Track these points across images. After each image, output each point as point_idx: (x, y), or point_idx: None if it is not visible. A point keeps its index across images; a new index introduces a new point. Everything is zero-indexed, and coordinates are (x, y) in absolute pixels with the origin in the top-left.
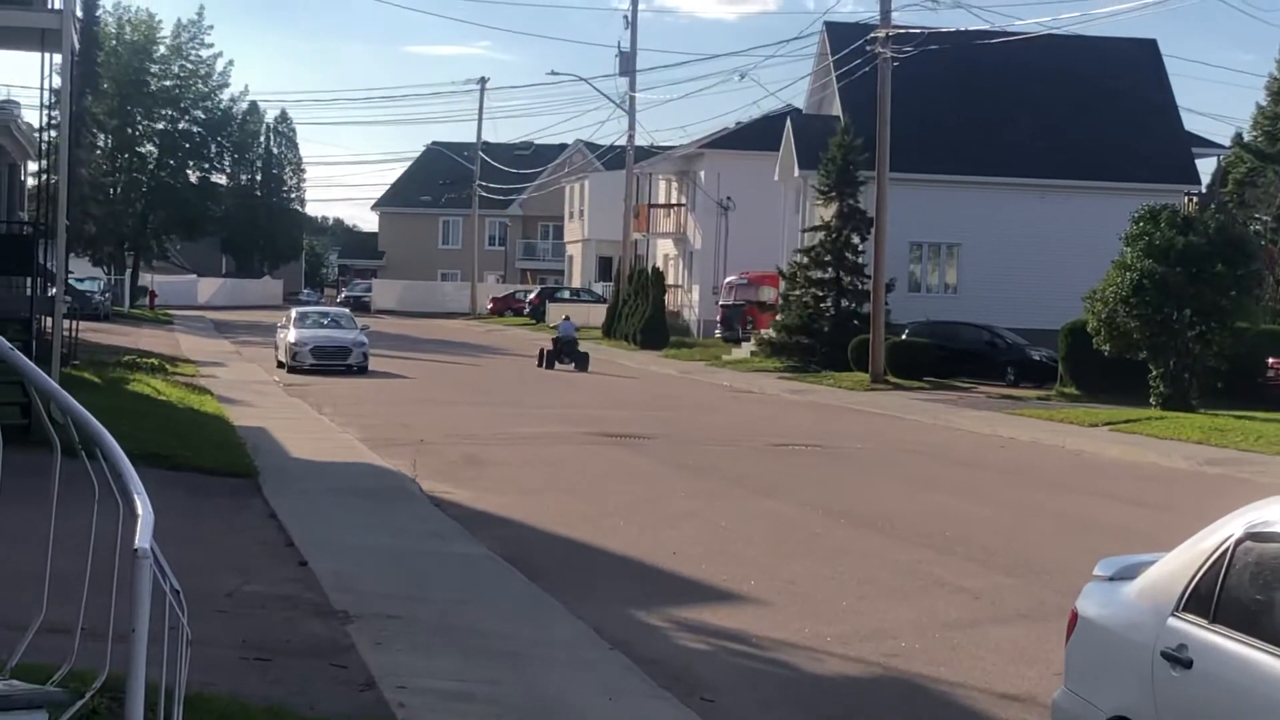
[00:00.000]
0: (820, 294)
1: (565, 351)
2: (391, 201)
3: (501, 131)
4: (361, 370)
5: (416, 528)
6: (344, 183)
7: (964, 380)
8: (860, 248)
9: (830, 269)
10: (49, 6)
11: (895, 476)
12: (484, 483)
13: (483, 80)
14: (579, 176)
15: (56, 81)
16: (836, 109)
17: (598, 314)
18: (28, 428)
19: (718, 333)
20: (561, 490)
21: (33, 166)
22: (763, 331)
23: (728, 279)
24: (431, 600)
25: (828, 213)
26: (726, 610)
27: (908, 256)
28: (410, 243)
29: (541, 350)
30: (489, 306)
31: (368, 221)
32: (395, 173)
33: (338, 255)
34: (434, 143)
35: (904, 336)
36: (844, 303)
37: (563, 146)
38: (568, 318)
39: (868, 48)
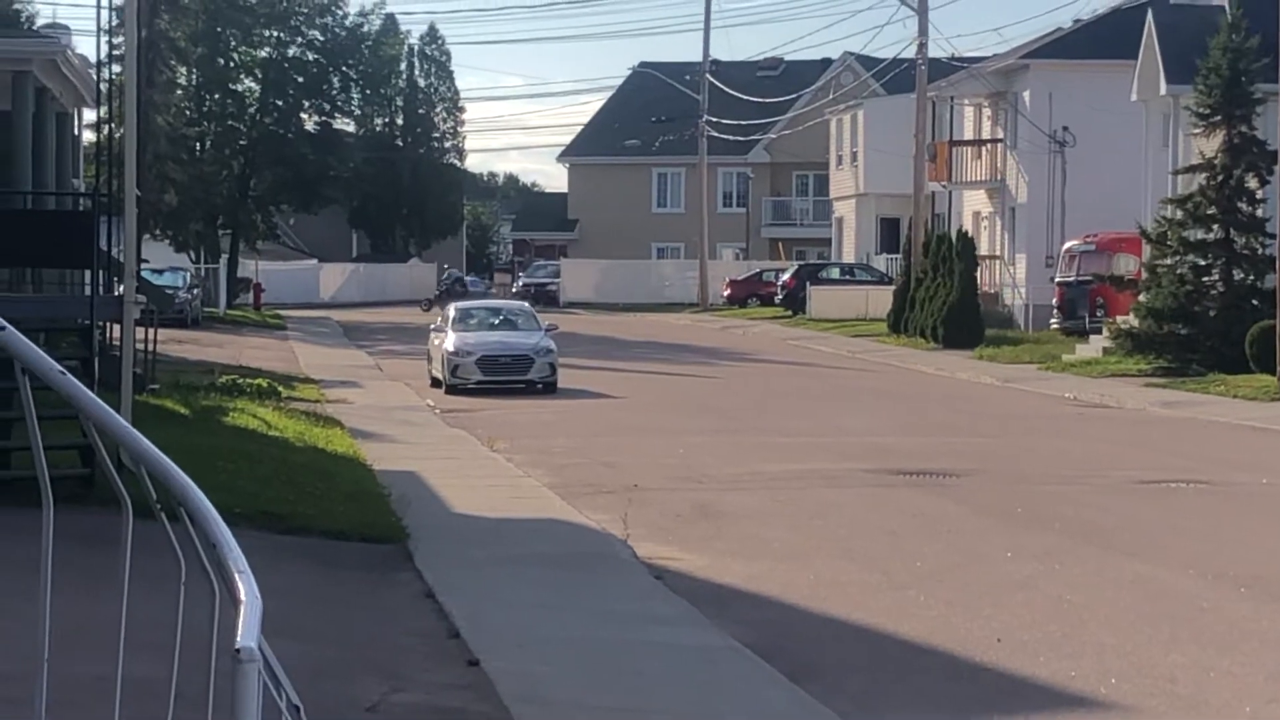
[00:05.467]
0: (1202, 262)
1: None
2: (585, 149)
3: (738, 45)
4: (548, 388)
5: (630, 609)
6: (518, 125)
7: None
8: (1260, 194)
9: (1216, 226)
10: None
11: None
12: (723, 544)
13: None
14: (849, 105)
15: None
16: None
17: (880, 300)
18: (90, 479)
19: (1053, 322)
20: (834, 553)
21: (90, 115)
22: (1119, 319)
23: (1067, 245)
24: (655, 712)
25: (1210, 145)
26: None
27: None
28: (612, 206)
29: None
30: (725, 293)
31: (552, 178)
32: (590, 109)
33: (511, 227)
34: (643, 64)
35: None
36: (1237, 274)
37: (825, 63)
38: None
39: None
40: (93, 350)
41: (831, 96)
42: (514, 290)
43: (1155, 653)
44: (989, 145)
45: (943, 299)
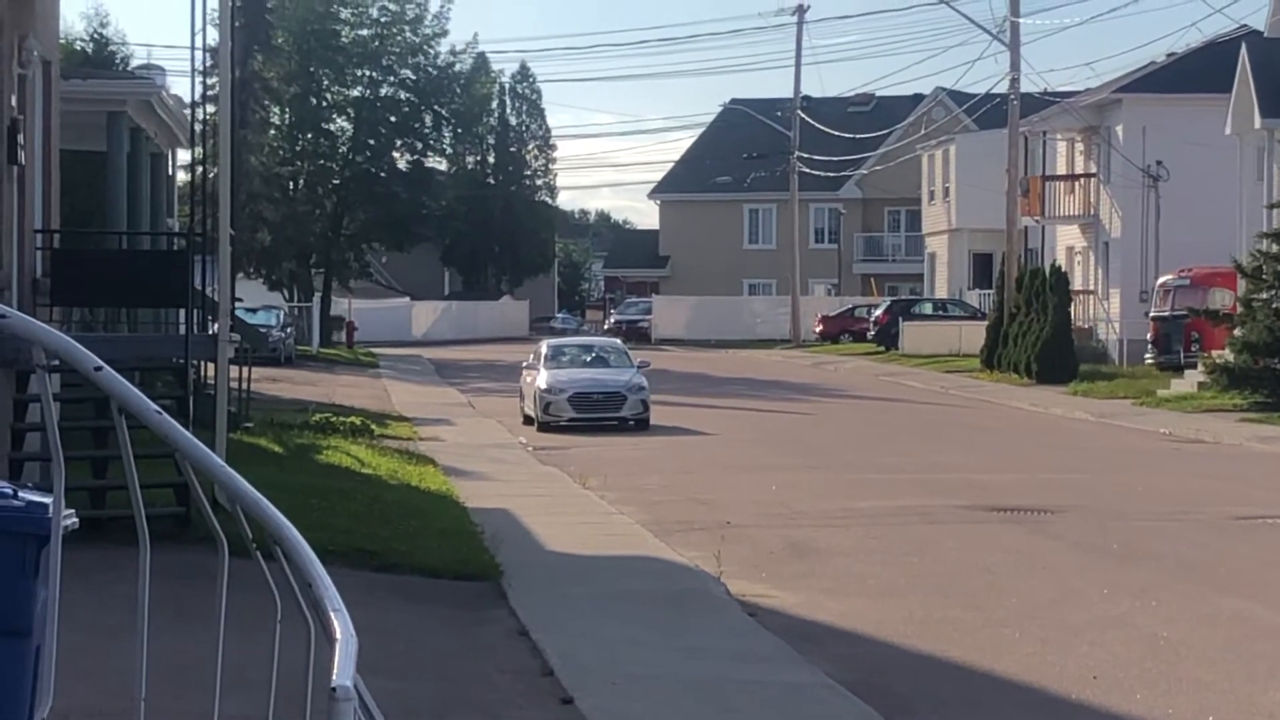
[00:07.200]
0: None
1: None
2: (677, 185)
3: (829, 81)
4: (640, 424)
5: (724, 646)
6: (609, 162)
7: None
8: None
9: None
10: None
11: None
12: (817, 581)
13: (800, 9)
14: (941, 140)
15: (213, 37)
16: None
17: (973, 335)
18: (185, 517)
19: (1148, 357)
20: (928, 589)
21: (184, 156)
22: (1215, 354)
23: (1161, 279)
24: None
25: None
26: None
27: None
28: (704, 243)
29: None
30: (817, 329)
31: (644, 215)
32: (681, 145)
33: (603, 264)
34: (734, 101)
35: None
36: None
37: (917, 98)
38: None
39: None
40: (187, 389)
41: (923, 132)
42: (606, 327)
43: (1254, 690)
44: (1082, 180)
45: (1036, 334)
